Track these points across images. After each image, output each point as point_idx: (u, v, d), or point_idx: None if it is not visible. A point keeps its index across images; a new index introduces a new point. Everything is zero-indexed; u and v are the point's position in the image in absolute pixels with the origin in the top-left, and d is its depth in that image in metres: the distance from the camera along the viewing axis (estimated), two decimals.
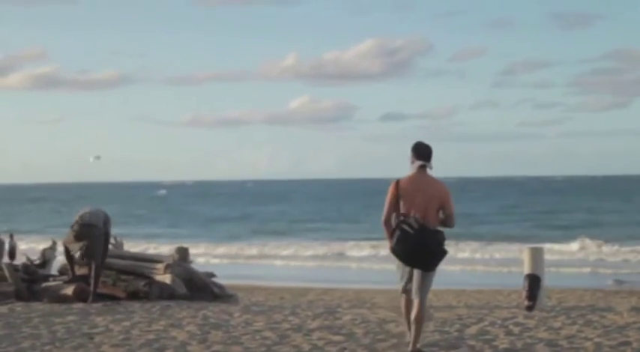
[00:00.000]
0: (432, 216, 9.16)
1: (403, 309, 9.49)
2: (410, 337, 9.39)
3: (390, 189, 9.25)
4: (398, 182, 9.24)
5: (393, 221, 9.20)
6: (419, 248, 9.07)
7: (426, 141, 9.40)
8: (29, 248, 28.17)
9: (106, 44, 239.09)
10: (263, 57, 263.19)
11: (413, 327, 9.28)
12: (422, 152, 9.29)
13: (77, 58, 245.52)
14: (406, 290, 9.37)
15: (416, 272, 9.23)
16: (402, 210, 9.15)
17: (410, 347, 9.33)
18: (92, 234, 14.36)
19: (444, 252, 9.21)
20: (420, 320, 9.25)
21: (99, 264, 14.38)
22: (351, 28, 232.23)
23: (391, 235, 9.19)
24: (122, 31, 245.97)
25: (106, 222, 14.62)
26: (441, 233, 9.24)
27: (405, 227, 9.10)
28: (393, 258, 9.25)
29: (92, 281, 14.28)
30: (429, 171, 9.32)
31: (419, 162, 9.25)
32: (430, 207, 9.14)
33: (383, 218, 9.29)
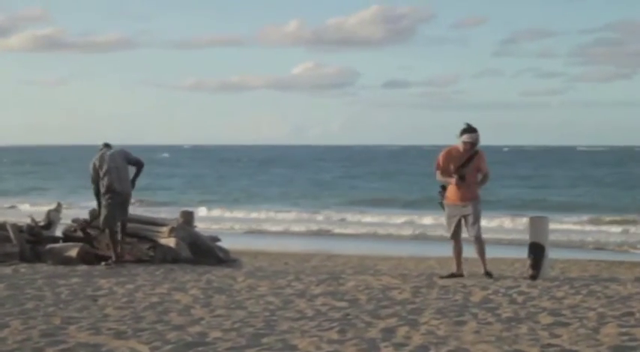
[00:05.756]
0: (472, 176, 12.88)
1: (454, 252, 13.25)
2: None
3: (443, 152, 12.88)
4: (450, 149, 12.85)
5: (439, 176, 12.89)
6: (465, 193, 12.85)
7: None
8: (34, 210, 28.15)
9: (109, 7, 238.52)
10: (265, 22, 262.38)
11: (479, 258, 13.20)
12: (468, 129, 12.75)
13: (79, 20, 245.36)
14: (455, 237, 13.13)
15: (464, 219, 12.97)
16: (451, 169, 12.75)
17: (483, 270, 13.13)
18: (121, 202, 14.36)
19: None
20: (481, 250, 13.17)
21: (115, 228, 14.42)
22: None
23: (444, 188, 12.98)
24: None
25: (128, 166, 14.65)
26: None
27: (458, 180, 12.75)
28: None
29: (112, 245, 14.32)
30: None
31: (466, 135, 12.73)
32: (471, 169, 12.81)
33: (435, 170, 12.94)
